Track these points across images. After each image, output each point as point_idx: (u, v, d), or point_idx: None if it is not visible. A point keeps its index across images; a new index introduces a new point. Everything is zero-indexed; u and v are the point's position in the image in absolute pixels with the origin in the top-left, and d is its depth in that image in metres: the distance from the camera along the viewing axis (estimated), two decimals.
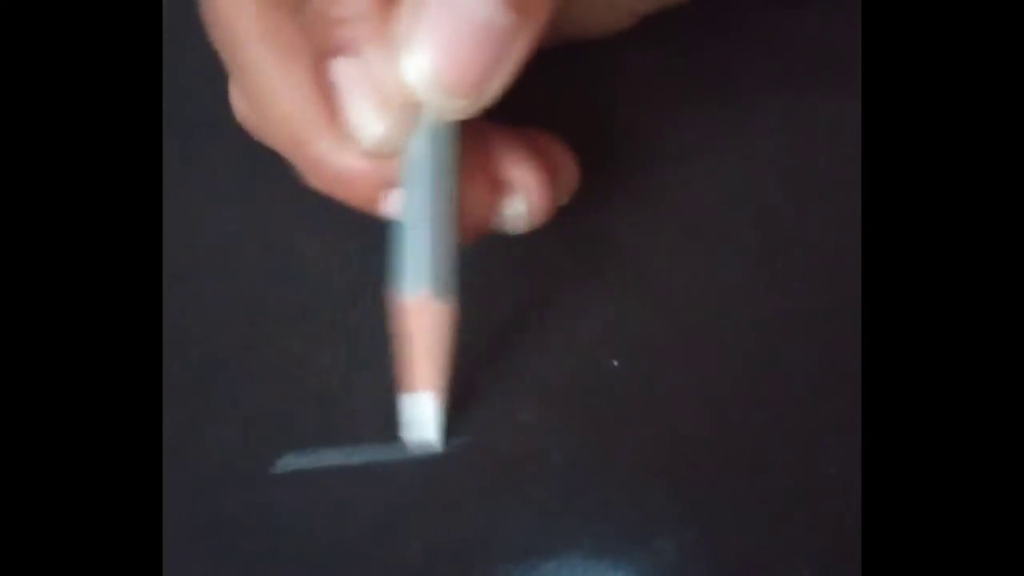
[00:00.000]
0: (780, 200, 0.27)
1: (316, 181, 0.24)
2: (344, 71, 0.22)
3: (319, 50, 0.22)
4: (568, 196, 0.26)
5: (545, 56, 0.27)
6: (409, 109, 0.22)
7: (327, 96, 0.22)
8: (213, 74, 0.25)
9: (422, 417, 0.24)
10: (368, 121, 0.22)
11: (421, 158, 0.23)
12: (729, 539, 0.24)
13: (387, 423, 0.25)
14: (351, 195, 0.24)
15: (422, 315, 0.23)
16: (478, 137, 0.24)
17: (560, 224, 0.27)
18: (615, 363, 0.25)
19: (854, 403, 0.24)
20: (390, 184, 0.23)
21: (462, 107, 0.22)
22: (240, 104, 0.25)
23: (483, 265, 0.26)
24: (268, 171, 0.27)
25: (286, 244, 0.27)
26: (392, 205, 0.23)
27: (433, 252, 0.23)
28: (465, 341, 0.25)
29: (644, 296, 0.26)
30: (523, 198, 0.24)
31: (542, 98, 0.28)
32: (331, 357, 0.26)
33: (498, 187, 0.24)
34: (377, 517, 0.24)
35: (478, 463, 0.24)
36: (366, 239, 0.26)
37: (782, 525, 0.24)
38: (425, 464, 0.24)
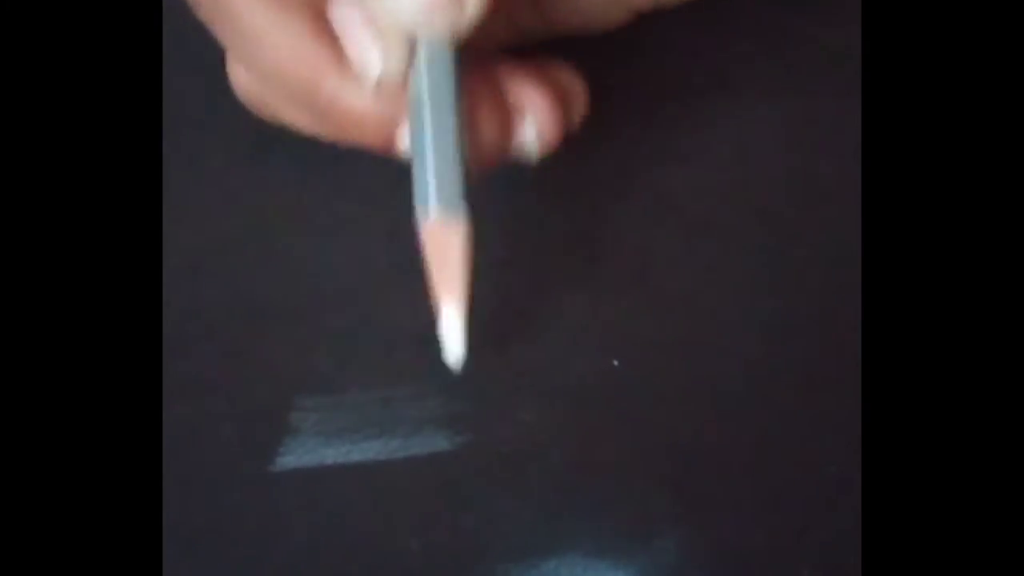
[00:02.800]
0: (780, 200, 0.27)
1: (330, 128, 0.24)
2: (341, 12, 0.23)
3: None
4: (579, 120, 0.26)
5: (543, 52, 0.28)
6: (403, 39, 0.23)
7: (329, 39, 0.23)
8: (213, 73, 0.25)
9: (447, 332, 0.24)
10: (368, 56, 0.23)
11: (422, 87, 0.23)
12: (729, 539, 0.24)
13: (386, 422, 0.25)
14: (365, 136, 0.24)
15: (437, 236, 0.24)
16: (485, 67, 0.25)
17: (560, 224, 0.27)
18: (615, 363, 0.25)
19: (854, 403, 0.24)
20: (400, 121, 0.24)
21: (447, 25, 0.22)
22: (241, 77, 0.25)
23: (483, 265, 0.26)
24: (267, 170, 0.27)
25: (285, 244, 0.27)
26: (405, 141, 0.24)
27: (441, 175, 0.23)
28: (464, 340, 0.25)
29: (644, 296, 0.26)
30: (533, 122, 0.25)
31: None
32: (330, 356, 0.26)
33: (508, 113, 0.25)
34: (377, 517, 0.24)
35: (478, 463, 0.24)
36: (365, 237, 0.26)
37: (782, 525, 0.24)
38: (425, 463, 0.24)
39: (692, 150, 0.28)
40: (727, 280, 0.26)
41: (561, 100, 0.25)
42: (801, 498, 0.24)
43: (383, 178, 0.25)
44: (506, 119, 0.25)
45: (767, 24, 0.29)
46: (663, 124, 0.28)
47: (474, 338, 0.25)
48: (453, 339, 0.24)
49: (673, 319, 0.26)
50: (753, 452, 0.24)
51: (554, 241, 0.27)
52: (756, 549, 0.24)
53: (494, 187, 0.26)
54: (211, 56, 0.25)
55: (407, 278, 0.26)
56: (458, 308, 0.24)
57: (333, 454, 0.24)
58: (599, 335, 0.26)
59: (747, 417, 0.25)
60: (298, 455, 0.24)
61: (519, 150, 0.25)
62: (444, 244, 0.24)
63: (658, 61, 0.29)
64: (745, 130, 0.28)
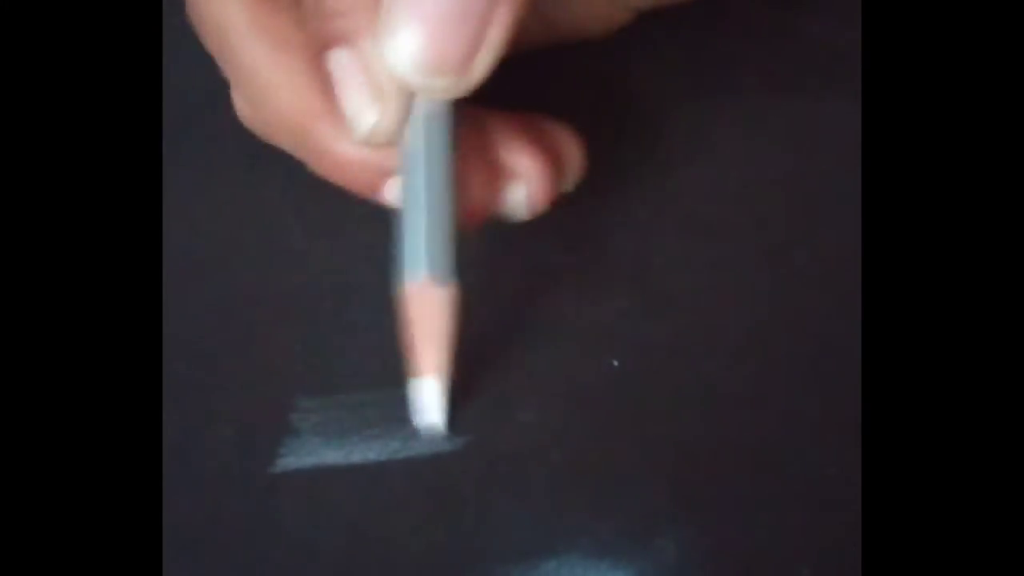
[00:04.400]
0: (780, 201, 0.27)
1: (319, 170, 0.24)
2: (340, 62, 0.23)
3: (315, 41, 0.23)
4: (574, 182, 0.26)
5: (544, 56, 0.28)
6: (402, 97, 0.22)
7: (324, 86, 0.23)
8: (212, 74, 0.25)
9: (426, 403, 0.24)
10: (363, 111, 0.23)
11: (417, 145, 0.23)
12: (729, 539, 0.24)
13: (386, 423, 0.25)
14: (352, 183, 0.24)
15: (423, 301, 0.23)
16: (477, 124, 0.24)
17: (560, 224, 0.27)
18: (615, 363, 0.25)
19: (854, 403, 0.24)
20: (390, 172, 0.24)
21: (449, 87, 0.22)
22: (241, 105, 0.25)
23: (483, 265, 0.26)
24: (267, 170, 0.27)
25: (285, 243, 0.27)
26: (392, 192, 0.24)
27: (431, 237, 0.23)
28: (465, 340, 0.25)
29: (644, 296, 0.26)
30: (524, 184, 0.24)
31: (541, 99, 0.28)
32: (331, 355, 0.26)
33: (498, 173, 0.24)
34: (377, 517, 0.24)
35: (478, 463, 0.24)
36: (366, 237, 0.26)
37: (782, 525, 0.24)
38: (425, 464, 0.24)
39: (692, 150, 0.28)
40: (727, 281, 0.26)
41: (555, 162, 0.25)
42: (801, 498, 0.24)
43: None
44: (495, 179, 0.24)
45: (767, 24, 0.29)
46: (663, 124, 0.28)
47: (473, 340, 0.25)
48: (431, 411, 0.24)
49: (673, 319, 0.26)
50: (753, 452, 0.24)
51: (554, 241, 0.27)
52: (756, 549, 0.24)
53: None
54: (212, 57, 0.25)
55: None
56: (439, 379, 0.24)
57: (333, 455, 0.24)
58: (599, 335, 0.26)
59: (747, 417, 0.25)
60: (298, 455, 0.24)
61: (506, 211, 0.25)
62: (428, 311, 0.23)
63: (658, 61, 0.29)
64: (745, 130, 0.28)
